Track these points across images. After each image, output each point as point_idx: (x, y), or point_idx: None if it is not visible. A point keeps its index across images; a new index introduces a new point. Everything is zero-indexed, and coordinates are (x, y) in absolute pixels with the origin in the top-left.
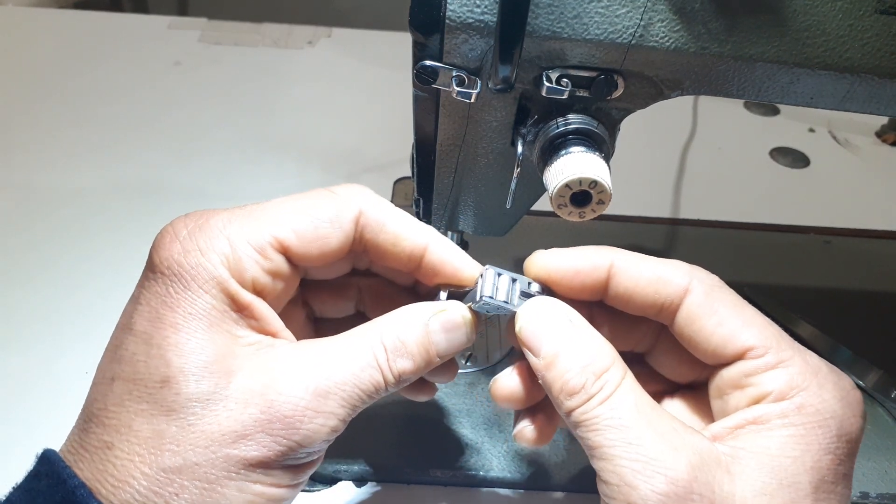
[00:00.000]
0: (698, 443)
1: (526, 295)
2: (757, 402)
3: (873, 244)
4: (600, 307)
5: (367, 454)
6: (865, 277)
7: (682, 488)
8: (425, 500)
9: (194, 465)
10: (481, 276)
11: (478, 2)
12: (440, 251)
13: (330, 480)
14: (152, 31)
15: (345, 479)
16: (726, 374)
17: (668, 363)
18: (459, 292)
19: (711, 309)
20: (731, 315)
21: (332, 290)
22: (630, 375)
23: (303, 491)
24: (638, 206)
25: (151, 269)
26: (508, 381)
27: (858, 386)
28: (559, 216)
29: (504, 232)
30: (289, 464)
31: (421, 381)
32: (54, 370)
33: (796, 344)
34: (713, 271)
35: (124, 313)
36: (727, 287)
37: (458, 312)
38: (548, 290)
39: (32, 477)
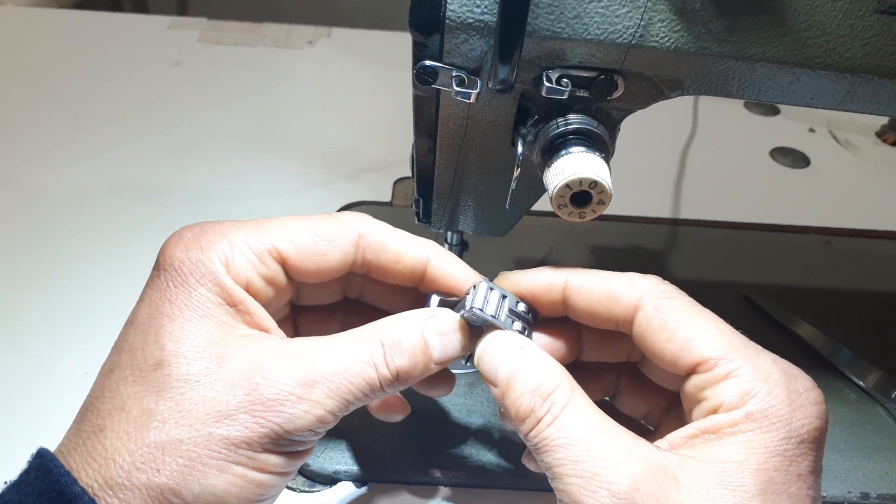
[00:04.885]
0: (646, 453)
1: (513, 313)
2: (711, 413)
3: (873, 244)
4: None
5: (367, 454)
6: (865, 277)
7: (625, 500)
8: (425, 500)
9: (177, 442)
10: (474, 287)
11: (478, 2)
12: (441, 263)
13: (330, 480)
14: (152, 31)
15: (345, 480)
16: (685, 388)
17: (657, 372)
18: (449, 301)
19: (660, 325)
20: (681, 329)
21: (320, 314)
22: (579, 393)
23: (303, 491)
24: (638, 206)
25: (156, 267)
26: None
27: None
28: (559, 216)
29: (504, 232)
30: (274, 449)
31: (397, 399)
32: (54, 371)
33: (750, 348)
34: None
35: (130, 313)
36: (681, 295)
37: (449, 318)
38: (533, 309)
39: (24, 473)
